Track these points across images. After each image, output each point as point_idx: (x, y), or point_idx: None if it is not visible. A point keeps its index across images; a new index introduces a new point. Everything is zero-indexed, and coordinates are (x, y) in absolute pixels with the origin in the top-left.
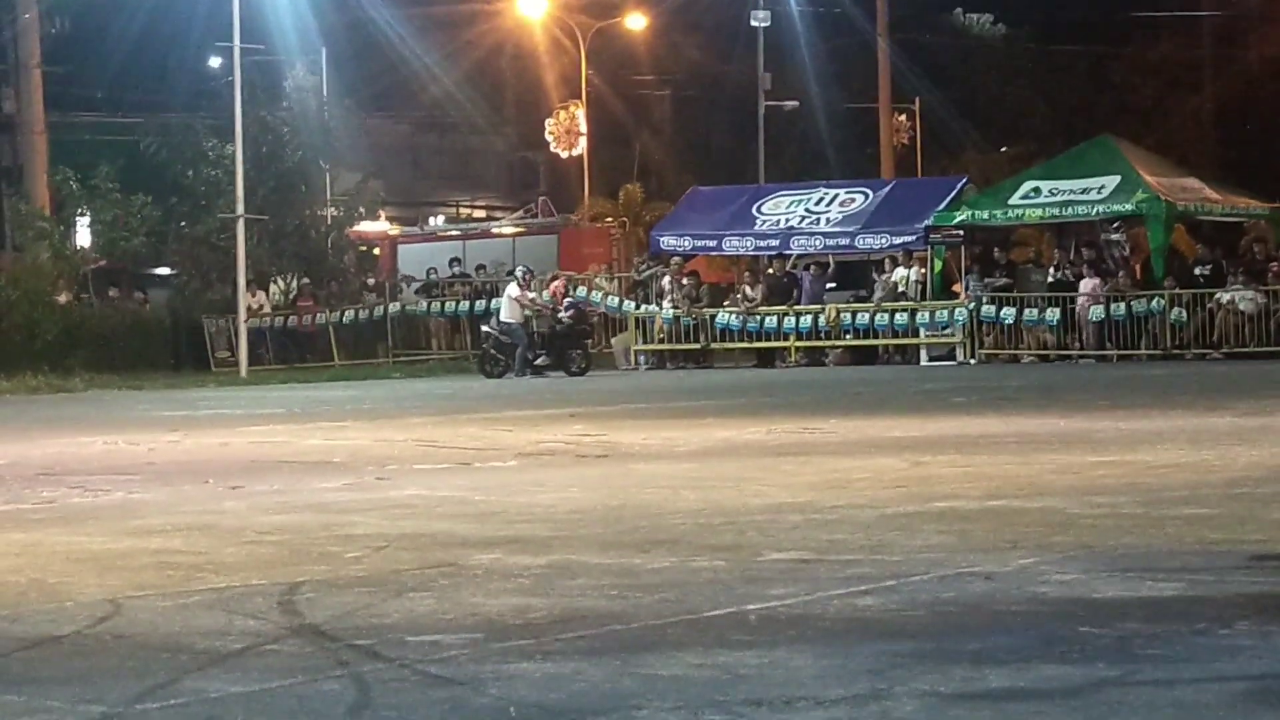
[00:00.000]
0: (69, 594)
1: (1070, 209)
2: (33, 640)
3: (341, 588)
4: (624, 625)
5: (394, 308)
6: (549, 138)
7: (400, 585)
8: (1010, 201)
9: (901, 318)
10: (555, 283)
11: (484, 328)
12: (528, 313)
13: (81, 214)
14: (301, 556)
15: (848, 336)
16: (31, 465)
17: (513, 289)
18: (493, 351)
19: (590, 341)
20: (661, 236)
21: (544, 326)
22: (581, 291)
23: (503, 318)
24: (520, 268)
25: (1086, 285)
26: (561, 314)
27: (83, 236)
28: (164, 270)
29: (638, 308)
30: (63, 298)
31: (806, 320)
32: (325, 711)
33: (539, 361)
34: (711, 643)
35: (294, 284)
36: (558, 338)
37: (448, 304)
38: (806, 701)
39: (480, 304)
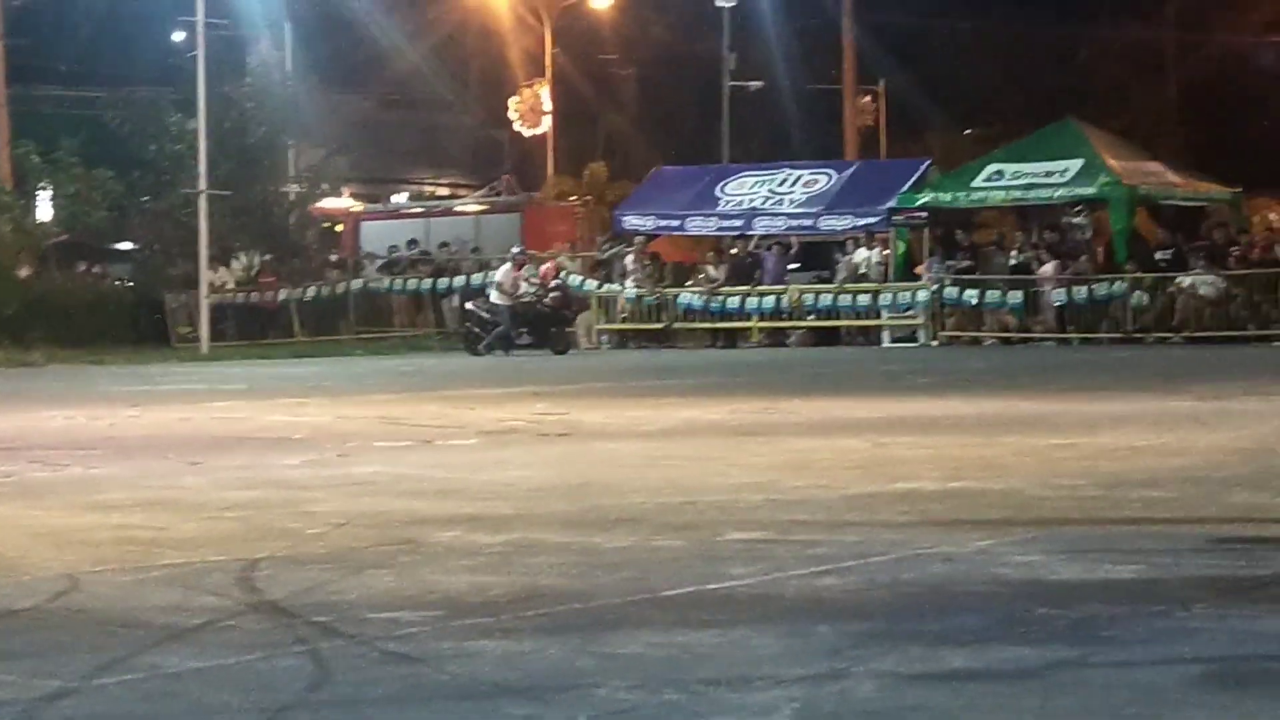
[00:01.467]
0: (27, 568)
1: (1033, 192)
2: None
3: (301, 564)
4: (584, 604)
5: (356, 285)
6: (514, 116)
7: (360, 562)
8: (973, 184)
9: (864, 299)
10: (546, 265)
11: (468, 305)
12: (522, 294)
13: (43, 188)
14: (261, 533)
15: (810, 317)
16: None
17: (506, 269)
18: (476, 330)
19: (572, 322)
20: (625, 216)
21: (527, 306)
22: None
23: (493, 298)
24: (515, 248)
25: (1047, 268)
26: (547, 296)
27: (44, 211)
28: (126, 245)
29: (600, 287)
30: (24, 272)
31: (769, 301)
32: (283, 687)
33: (522, 340)
34: (671, 622)
35: (256, 260)
36: (541, 318)
37: (410, 281)
38: (765, 681)
39: (443, 282)
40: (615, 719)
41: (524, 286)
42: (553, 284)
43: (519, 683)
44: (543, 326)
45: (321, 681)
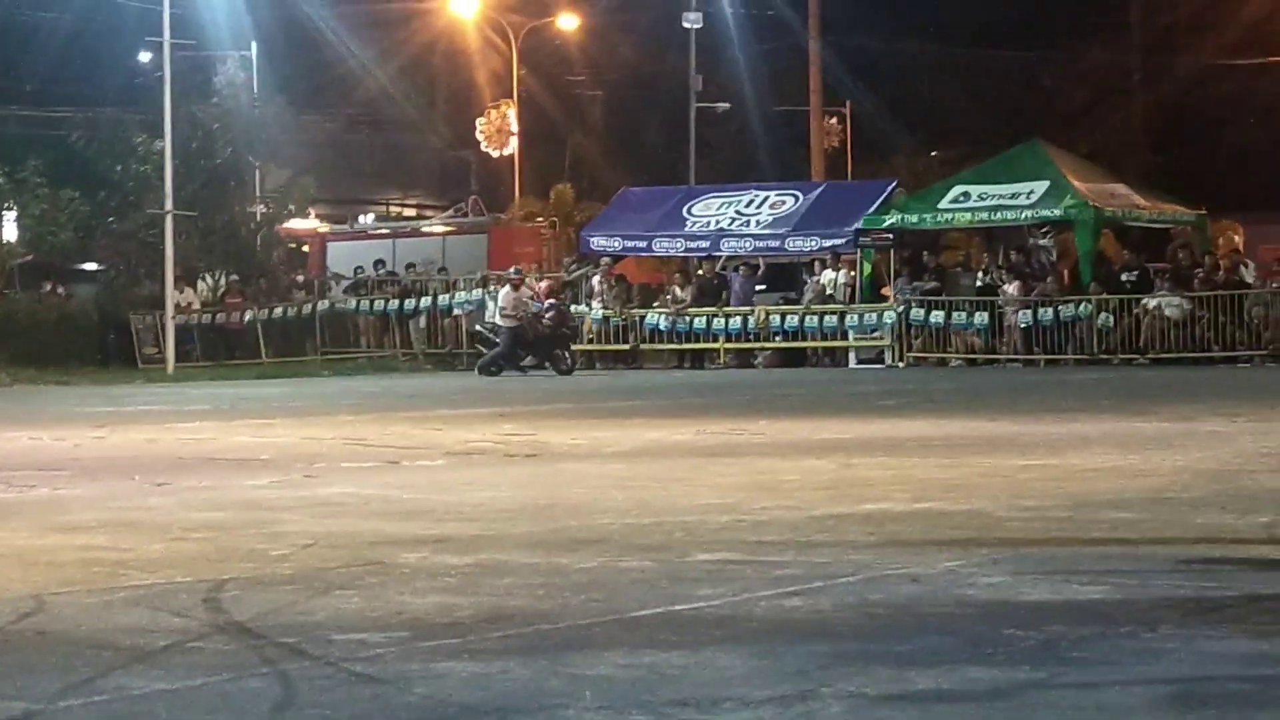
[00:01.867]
0: None
1: (999, 213)
2: None
3: (268, 585)
4: (551, 624)
5: (323, 305)
6: (480, 137)
7: (327, 583)
8: (939, 205)
9: (830, 320)
10: (543, 284)
11: (477, 327)
12: (523, 315)
13: (8, 208)
14: (227, 554)
15: (777, 339)
16: None
17: (506, 291)
18: (484, 351)
19: (573, 340)
20: (592, 237)
21: (529, 327)
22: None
23: (496, 319)
24: (514, 269)
25: (1013, 290)
26: (545, 316)
27: (9, 231)
28: (92, 266)
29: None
30: None
31: (736, 322)
32: (250, 709)
33: (525, 362)
34: (639, 643)
35: (222, 281)
36: (542, 339)
37: (376, 302)
38: (733, 702)
39: (410, 303)
40: None
41: (531, 306)
42: (548, 304)
43: (487, 704)
44: (545, 347)
45: (288, 703)
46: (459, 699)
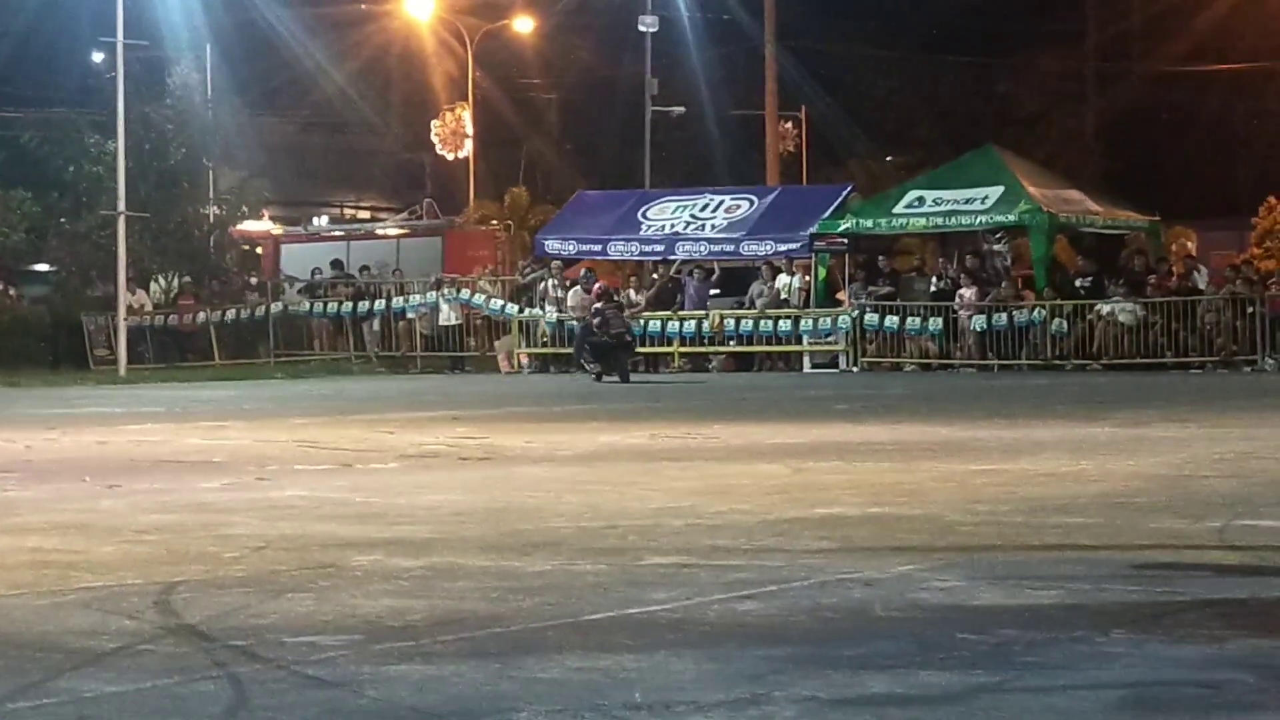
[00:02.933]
0: None
1: (954, 219)
2: None
3: (219, 588)
4: (504, 628)
5: (276, 308)
6: (435, 139)
7: (279, 586)
8: (894, 210)
9: (785, 325)
10: (596, 285)
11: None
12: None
13: None
14: (179, 556)
15: (731, 343)
16: None
17: (577, 292)
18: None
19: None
20: (546, 240)
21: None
22: (466, 294)
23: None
24: (584, 271)
25: (966, 294)
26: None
27: None
28: (43, 267)
29: (521, 311)
30: None
31: (690, 326)
32: (200, 712)
33: (592, 367)
34: (592, 646)
35: (175, 282)
36: (608, 347)
37: (330, 305)
38: (686, 705)
39: (364, 305)
40: None
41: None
42: (594, 308)
43: (439, 707)
44: (609, 353)
45: (239, 706)
46: (411, 702)
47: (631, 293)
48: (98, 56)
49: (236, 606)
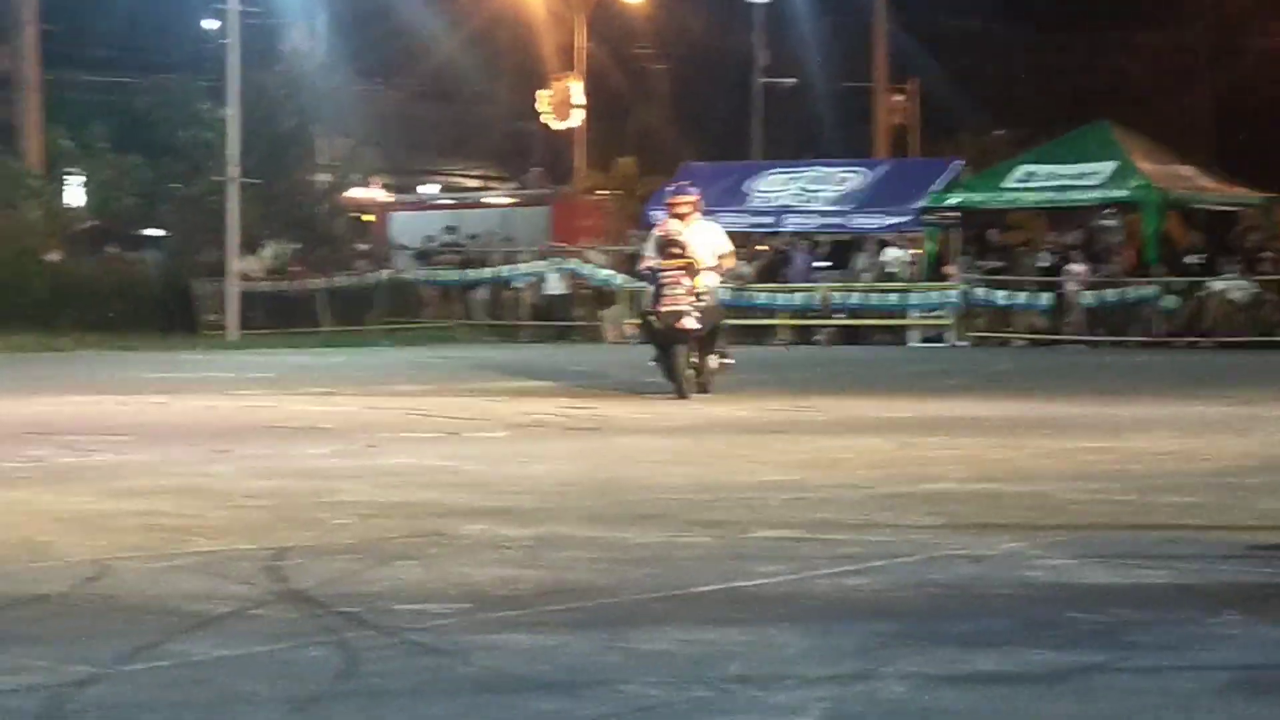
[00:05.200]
0: (56, 554)
1: (1064, 194)
2: (19, 599)
3: (329, 554)
4: (611, 599)
5: (385, 275)
6: (545, 109)
7: (387, 553)
8: (1004, 185)
9: (892, 298)
10: (655, 230)
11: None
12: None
13: (75, 173)
14: (289, 522)
15: (838, 316)
16: (19, 424)
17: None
18: None
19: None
20: (654, 211)
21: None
22: (574, 263)
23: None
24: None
25: (1076, 270)
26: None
27: (74, 195)
28: (155, 231)
29: (628, 281)
30: (53, 256)
31: (797, 299)
32: (311, 677)
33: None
34: (698, 619)
35: (285, 249)
36: (660, 335)
37: (438, 273)
38: (793, 680)
39: (471, 274)
40: (642, 715)
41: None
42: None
43: (546, 677)
44: (662, 344)
45: (348, 672)
46: (518, 671)
47: (744, 265)
48: (211, 24)
49: (346, 573)
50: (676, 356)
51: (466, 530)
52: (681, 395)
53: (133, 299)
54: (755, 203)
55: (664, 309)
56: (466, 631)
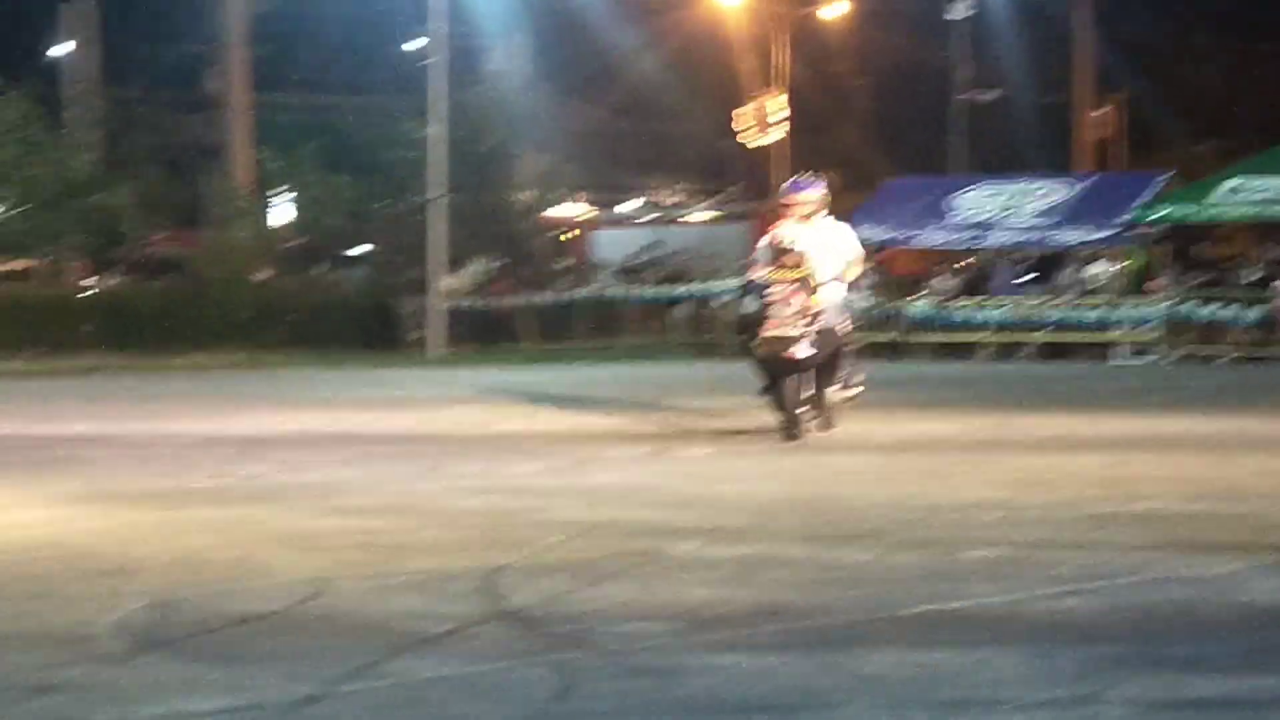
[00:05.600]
0: (274, 572)
1: (1274, 207)
2: (240, 617)
3: (541, 573)
4: (824, 619)
5: (586, 291)
6: (744, 125)
7: (600, 572)
8: (1212, 199)
9: (1097, 313)
10: (762, 240)
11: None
12: None
13: (282, 192)
14: (501, 540)
15: (1041, 331)
16: (234, 441)
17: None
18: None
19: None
20: (855, 227)
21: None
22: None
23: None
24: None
25: None
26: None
27: (281, 215)
28: (359, 250)
29: None
30: (261, 275)
31: (999, 314)
32: (528, 697)
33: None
34: (913, 640)
35: (488, 266)
36: (761, 365)
37: (640, 289)
38: (1010, 705)
39: (672, 290)
40: None
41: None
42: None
43: (762, 699)
44: (768, 373)
45: (566, 693)
46: (734, 693)
47: (940, 280)
48: (414, 44)
49: (559, 592)
50: (784, 390)
51: (676, 549)
52: (790, 436)
53: (338, 316)
54: (957, 218)
55: (769, 333)
56: (680, 652)
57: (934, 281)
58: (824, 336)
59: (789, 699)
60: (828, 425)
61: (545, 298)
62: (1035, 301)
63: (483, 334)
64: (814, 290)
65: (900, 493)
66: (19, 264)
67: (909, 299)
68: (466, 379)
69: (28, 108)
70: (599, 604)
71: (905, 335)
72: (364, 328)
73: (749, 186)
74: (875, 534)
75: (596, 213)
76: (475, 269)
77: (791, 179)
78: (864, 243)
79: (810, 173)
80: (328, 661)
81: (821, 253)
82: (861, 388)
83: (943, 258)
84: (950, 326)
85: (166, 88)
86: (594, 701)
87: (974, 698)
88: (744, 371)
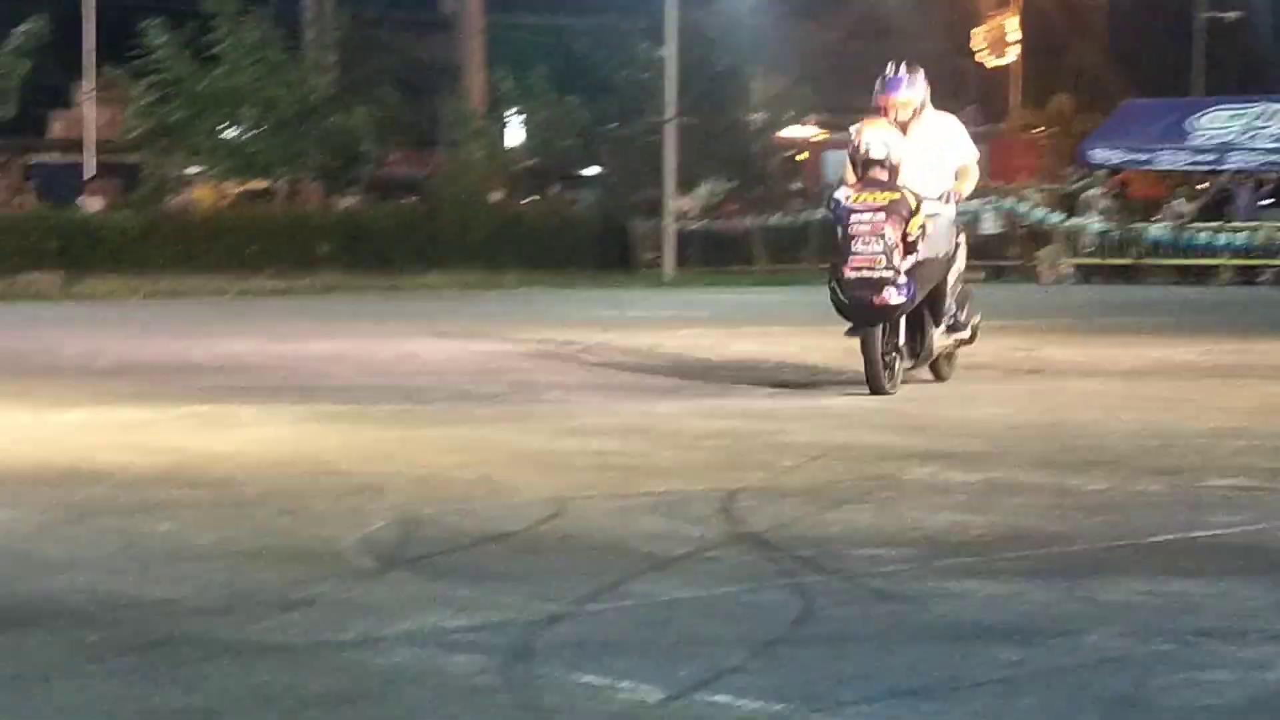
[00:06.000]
0: (514, 492)
1: None
2: (483, 536)
3: (779, 496)
4: (1066, 547)
5: (819, 214)
6: (980, 46)
7: (838, 496)
8: None
9: None
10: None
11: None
12: None
13: (516, 113)
14: (737, 463)
15: None
16: (474, 363)
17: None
18: None
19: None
20: (1092, 149)
21: None
22: (1010, 202)
23: None
24: None
25: None
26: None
27: (514, 136)
28: (591, 171)
29: (1065, 220)
30: (495, 196)
31: (1240, 238)
32: (771, 620)
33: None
34: (1157, 568)
35: (720, 188)
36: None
37: None
38: (1259, 634)
39: None
40: (1107, 667)
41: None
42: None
43: (1005, 626)
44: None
45: (807, 617)
46: (977, 619)
47: (1179, 204)
48: None
49: (798, 515)
50: (869, 340)
51: (915, 474)
52: (876, 390)
53: (571, 238)
54: (1197, 140)
55: (852, 274)
56: (922, 578)
57: (1173, 204)
58: (926, 268)
59: (1032, 625)
60: (937, 376)
61: (777, 220)
62: (1277, 225)
63: (715, 255)
64: (912, 214)
65: (1141, 419)
66: (259, 184)
67: (1147, 222)
68: (698, 300)
69: (267, 29)
70: (838, 528)
71: (1143, 258)
72: (598, 249)
73: (983, 108)
74: (1116, 461)
75: (828, 135)
76: (707, 190)
77: (884, 74)
78: (1101, 164)
79: (903, 62)
80: (571, 581)
81: (922, 163)
82: (971, 331)
83: (1182, 180)
84: (1190, 250)
85: (403, 9)
86: (836, 625)
87: (1221, 628)
88: (979, 293)
